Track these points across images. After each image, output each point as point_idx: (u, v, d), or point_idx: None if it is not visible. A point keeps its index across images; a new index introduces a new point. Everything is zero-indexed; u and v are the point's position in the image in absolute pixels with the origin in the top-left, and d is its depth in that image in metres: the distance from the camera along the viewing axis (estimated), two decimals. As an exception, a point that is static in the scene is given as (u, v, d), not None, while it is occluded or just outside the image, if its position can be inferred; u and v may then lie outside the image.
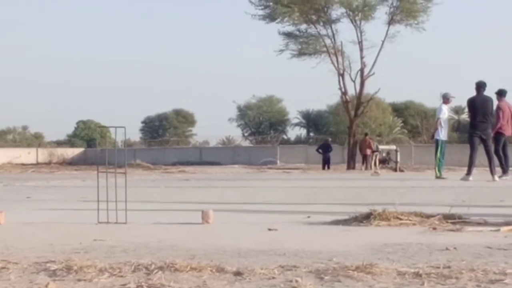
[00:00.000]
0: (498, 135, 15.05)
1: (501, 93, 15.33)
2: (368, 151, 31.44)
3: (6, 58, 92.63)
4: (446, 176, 15.90)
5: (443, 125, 16.23)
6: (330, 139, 36.91)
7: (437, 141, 16.27)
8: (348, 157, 32.13)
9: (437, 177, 15.72)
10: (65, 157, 41.14)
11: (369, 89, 34.58)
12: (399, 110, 62.00)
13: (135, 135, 68.28)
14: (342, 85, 33.29)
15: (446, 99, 16.42)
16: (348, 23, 34.08)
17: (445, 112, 16.45)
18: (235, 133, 65.26)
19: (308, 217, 6.46)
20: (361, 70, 33.07)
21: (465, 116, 59.33)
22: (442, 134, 16.33)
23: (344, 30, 61.14)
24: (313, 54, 34.88)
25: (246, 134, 67.32)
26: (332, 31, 34.07)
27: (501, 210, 7.12)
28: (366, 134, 34.91)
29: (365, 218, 5.80)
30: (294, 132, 69.94)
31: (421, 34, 34.17)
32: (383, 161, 32.43)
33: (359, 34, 33.63)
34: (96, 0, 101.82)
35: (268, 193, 10.80)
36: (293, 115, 70.06)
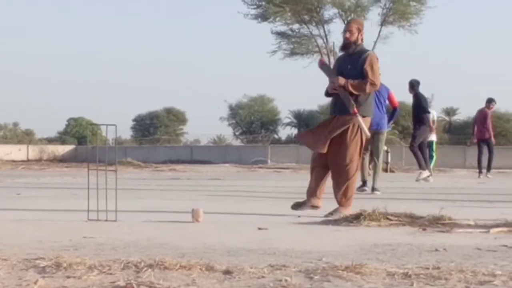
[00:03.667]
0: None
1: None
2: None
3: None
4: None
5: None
6: None
7: (433, 143, 17.23)
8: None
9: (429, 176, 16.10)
10: (55, 154, 40.92)
11: (360, 89, 34.65)
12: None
13: (126, 133, 68.16)
14: (334, 86, 33.32)
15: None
16: (340, 23, 34.14)
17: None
18: (226, 132, 65.22)
19: (299, 216, 6.46)
20: (353, 71, 33.10)
21: (455, 118, 59.63)
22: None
23: (337, 31, 61.16)
24: (305, 54, 34.97)
25: (237, 133, 67.29)
26: (325, 31, 34.17)
27: (491, 211, 7.14)
28: None
29: (355, 218, 5.81)
30: (285, 132, 69.87)
31: (413, 36, 34.30)
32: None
33: (351, 35, 33.65)
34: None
35: (258, 193, 10.80)
36: (285, 115, 70.05)
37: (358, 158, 6.83)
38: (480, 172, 17.82)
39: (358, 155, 6.79)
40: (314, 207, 6.73)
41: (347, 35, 6.96)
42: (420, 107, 14.12)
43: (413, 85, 14.15)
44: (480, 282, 3.24)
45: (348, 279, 3.31)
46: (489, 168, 17.88)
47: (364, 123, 6.74)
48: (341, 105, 6.79)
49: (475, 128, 18.07)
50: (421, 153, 14.82)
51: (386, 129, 11.52)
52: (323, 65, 7.18)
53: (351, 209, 6.51)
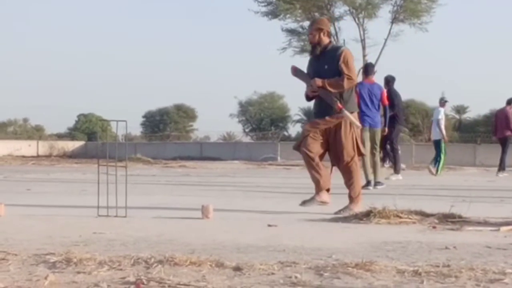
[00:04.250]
0: None
1: None
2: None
3: (7, 51, 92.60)
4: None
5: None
6: None
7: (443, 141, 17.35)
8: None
9: (435, 175, 16.36)
10: (65, 150, 40.96)
11: (370, 87, 34.60)
12: (401, 108, 61.83)
13: (136, 129, 68.13)
14: (344, 83, 33.31)
15: (443, 102, 17.55)
16: (351, 21, 34.12)
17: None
18: (236, 129, 65.15)
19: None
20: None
21: (466, 116, 59.51)
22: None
23: (347, 28, 61.07)
24: (315, 51, 34.90)
25: (247, 130, 67.27)
26: (335, 29, 34.07)
27: (501, 209, 7.12)
28: None
29: (365, 216, 5.81)
30: (295, 129, 69.74)
31: (424, 33, 34.24)
32: (383, 159, 32.33)
33: (362, 32, 33.69)
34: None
35: (268, 189, 10.80)
36: (295, 112, 70.00)
37: (358, 153, 6.87)
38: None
39: (356, 151, 6.82)
40: (323, 202, 6.73)
41: (309, 38, 7.07)
42: (391, 104, 14.01)
43: (388, 81, 14.04)
44: (490, 280, 3.23)
45: (358, 276, 3.30)
46: (499, 167, 17.85)
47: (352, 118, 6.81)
48: (325, 106, 6.80)
49: (496, 127, 18.18)
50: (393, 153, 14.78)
51: (381, 127, 11.64)
52: (296, 72, 7.13)
53: (361, 206, 6.52)
